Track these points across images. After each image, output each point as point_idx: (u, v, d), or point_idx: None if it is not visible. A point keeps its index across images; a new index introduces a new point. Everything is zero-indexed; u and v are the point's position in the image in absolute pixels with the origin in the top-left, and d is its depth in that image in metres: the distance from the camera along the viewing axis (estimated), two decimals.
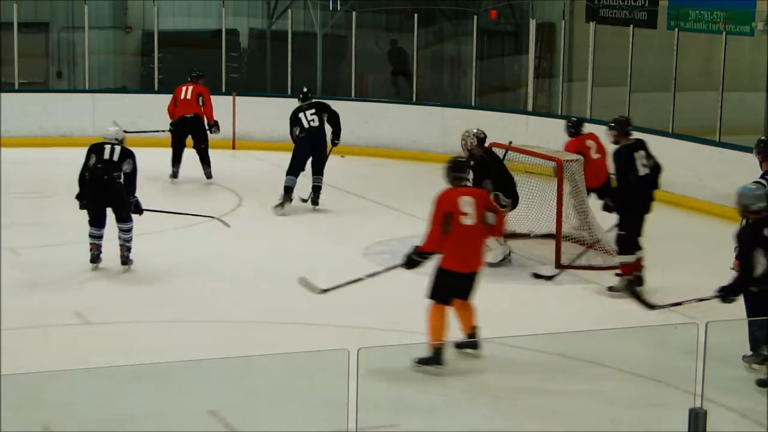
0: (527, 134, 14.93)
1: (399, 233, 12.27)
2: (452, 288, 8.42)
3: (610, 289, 10.57)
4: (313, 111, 14.06)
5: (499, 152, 11.84)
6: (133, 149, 11.06)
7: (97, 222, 10.89)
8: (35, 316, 9.54)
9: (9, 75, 18.64)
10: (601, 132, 11.55)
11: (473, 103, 17.96)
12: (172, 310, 9.93)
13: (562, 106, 17.08)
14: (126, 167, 10.86)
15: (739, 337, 8.13)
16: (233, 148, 18.12)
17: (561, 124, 13.11)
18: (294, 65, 18.74)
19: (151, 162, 14.15)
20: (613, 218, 10.94)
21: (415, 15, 18.33)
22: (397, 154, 17.35)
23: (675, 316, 8.78)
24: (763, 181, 9.09)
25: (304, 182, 13.97)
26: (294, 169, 13.90)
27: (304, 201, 13.98)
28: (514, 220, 12.30)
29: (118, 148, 10.88)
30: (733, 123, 14.63)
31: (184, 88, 15.53)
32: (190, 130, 15.51)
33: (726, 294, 8.18)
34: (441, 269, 8.44)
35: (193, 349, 8.56)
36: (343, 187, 14.95)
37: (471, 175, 10.46)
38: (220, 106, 16.83)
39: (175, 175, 15.52)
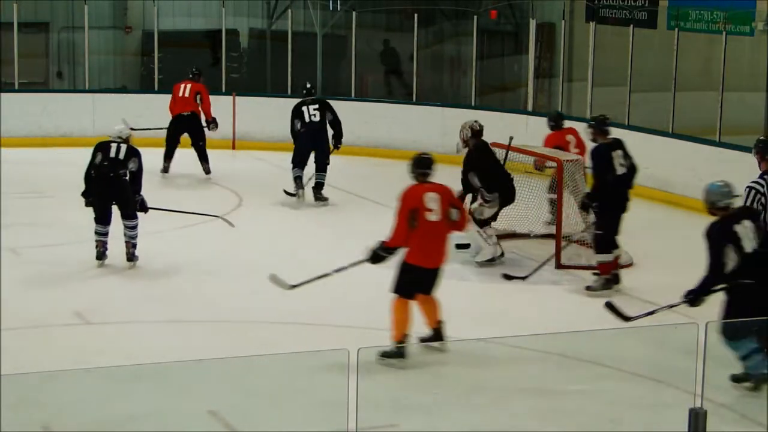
0: (527, 134, 14.89)
1: None
2: (416, 283, 8.52)
3: (588, 288, 10.60)
4: (316, 107, 14.11)
5: (500, 153, 11.84)
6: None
7: (102, 219, 10.95)
8: (35, 316, 9.54)
9: (9, 75, 18.62)
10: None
11: (473, 103, 17.96)
12: (172, 310, 9.93)
13: (562, 106, 17.05)
14: (132, 166, 10.93)
15: None
16: (233, 148, 18.13)
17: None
18: (294, 65, 18.74)
19: (152, 162, 14.13)
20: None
21: (415, 15, 18.32)
22: (397, 154, 17.28)
23: (675, 316, 8.77)
24: (762, 181, 9.11)
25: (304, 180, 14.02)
26: (298, 162, 13.99)
27: (290, 194, 14.03)
28: (514, 220, 12.32)
29: (124, 147, 10.94)
30: (733, 123, 14.62)
31: (182, 86, 15.57)
32: (187, 128, 15.55)
33: (694, 297, 8.07)
34: (406, 264, 8.53)
35: (193, 349, 8.56)
36: (343, 187, 14.94)
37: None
38: (221, 106, 16.85)
39: (165, 169, 15.62)
